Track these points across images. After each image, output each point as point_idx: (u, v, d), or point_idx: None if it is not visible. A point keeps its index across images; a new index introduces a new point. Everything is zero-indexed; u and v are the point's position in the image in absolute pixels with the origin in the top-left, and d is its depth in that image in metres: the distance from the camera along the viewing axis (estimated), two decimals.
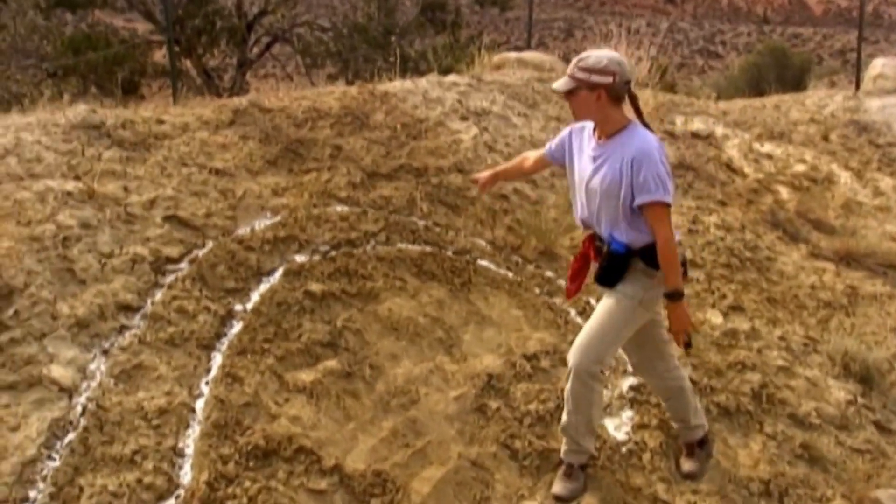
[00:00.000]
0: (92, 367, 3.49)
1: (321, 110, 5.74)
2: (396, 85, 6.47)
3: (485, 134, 6.08)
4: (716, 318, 4.77)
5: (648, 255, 3.32)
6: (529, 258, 5.03)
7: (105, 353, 3.57)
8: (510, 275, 4.84)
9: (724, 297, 4.96)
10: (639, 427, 3.92)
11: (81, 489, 2.99)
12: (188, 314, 3.88)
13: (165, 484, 3.11)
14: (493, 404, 3.89)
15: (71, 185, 4.30)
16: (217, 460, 3.24)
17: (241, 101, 5.64)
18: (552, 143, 3.65)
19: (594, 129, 3.41)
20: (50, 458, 3.07)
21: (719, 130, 7.28)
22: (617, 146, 3.31)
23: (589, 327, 3.41)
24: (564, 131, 3.60)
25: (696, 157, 6.69)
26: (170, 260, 4.14)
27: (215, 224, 4.46)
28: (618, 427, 3.91)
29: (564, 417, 3.50)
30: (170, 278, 4.05)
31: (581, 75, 3.26)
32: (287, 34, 13.14)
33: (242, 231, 4.49)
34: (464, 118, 6.22)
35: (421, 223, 4.97)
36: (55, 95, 8.21)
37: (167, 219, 4.36)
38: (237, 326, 3.93)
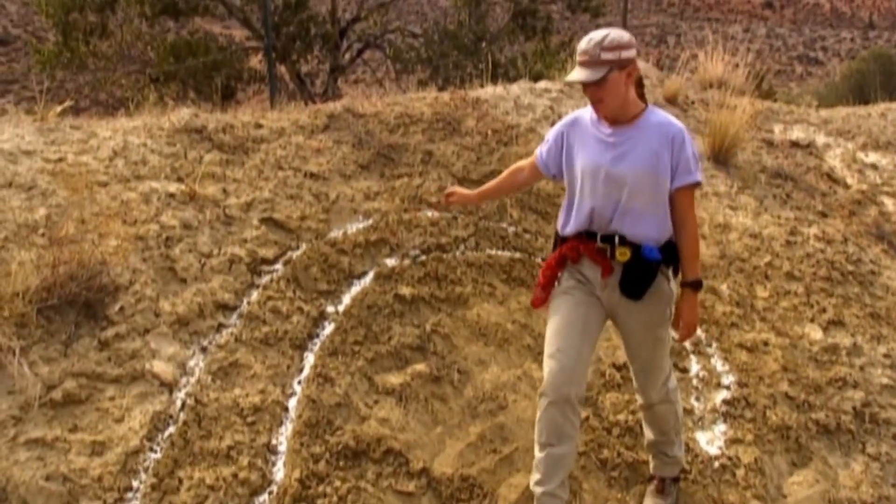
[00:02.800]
0: (191, 363, 3.60)
1: (413, 116, 5.80)
2: (488, 91, 6.48)
3: None
4: (815, 332, 4.61)
5: (670, 255, 3.09)
6: None
7: (203, 350, 3.69)
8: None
9: (823, 311, 4.79)
10: (732, 442, 3.81)
11: (181, 481, 3.09)
12: (282, 314, 3.97)
13: (259, 480, 3.19)
14: (582, 413, 3.84)
15: (174, 187, 4.46)
16: (309, 458, 3.31)
17: (335, 107, 5.74)
18: (543, 151, 3.29)
19: (598, 117, 3.09)
20: (152, 450, 3.18)
21: (820, 139, 7.04)
22: (643, 129, 3.03)
23: (645, 364, 3.25)
24: (552, 133, 3.25)
25: (795, 167, 6.48)
26: (265, 261, 4.25)
27: (309, 227, 4.55)
28: (710, 441, 3.82)
29: (651, 436, 3.42)
30: (265, 279, 4.15)
31: (610, 56, 2.92)
32: (379, 40, 13.32)
33: (335, 234, 4.57)
34: (555, 125, 6.17)
35: (511, 229, 4.96)
36: (157, 100, 8.53)
37: (263, 221, 4.47)
38: (329, 328, 4.00)
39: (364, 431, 3.46)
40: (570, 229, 3.19)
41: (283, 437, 3.41)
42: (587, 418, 3.82)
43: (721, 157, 6.22)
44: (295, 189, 4.79)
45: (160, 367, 3.52)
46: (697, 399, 4.04)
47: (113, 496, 2.98)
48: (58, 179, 4.24)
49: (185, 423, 3.32)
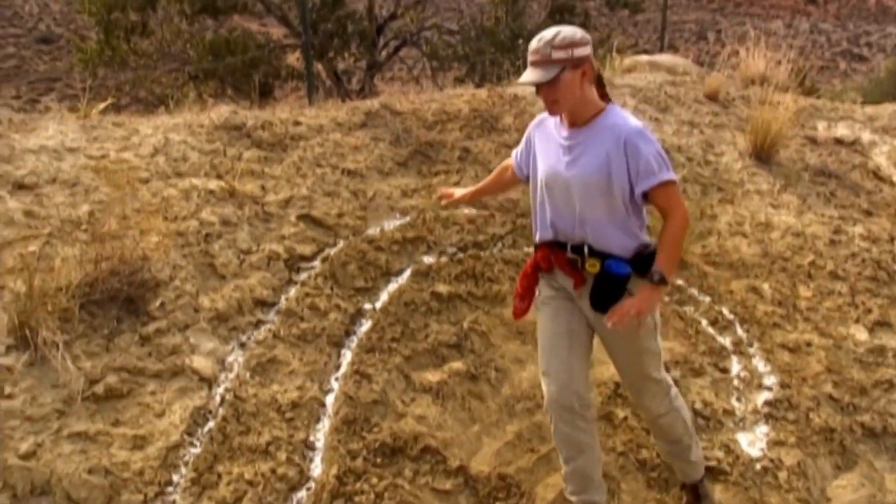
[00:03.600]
0: (230, 358, 3.63)
1: (450, 113, 5.79)
2: (526, 88, 6.44)
3: None
4: (860, 333, 4.52)
5: (644, 265, 2.85)
6: None
7: (242, 346, 3.71)
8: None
9: (869, 311, 4.69)
10: (774, 443, 3.75)
11: (220, 476, 3.11)
12: (320, 311, 3.99)
13: (297, 475, 3.20)
14: (621, 413, 3.81)
15: (213, 184, 4.49)
16: (346, 455, 3.31)
17: (372, 104, 5.75)
18: (518, 155, 3.15)
19: (561, 117, 2.94)
20: (191, 444, 3.21)
21: (866, 136, 6.89)
22: (597, 130, 2.83)
23: (634, 376, 3.09)
24: (526, 132, 3.12)
25: (839, 165, 6.36)
26: (303, 258, 4.27)
27: (346, 224, 4.56)
28: (751, 443, 3.76)
29: (665, 445, 3.29)
30: (303, 276, 4.17)
31: (562, 54, 2.73)
32: (415, 37, 13.30)
33: (372, 231, 4.58)
34: None
35: None
36: (196, 98, 8.61)
37: (301, 217, 4.49)
38: (366, 325, 4.01)
39: (401, 429, 3.46)
40: (538, 237, 3.05)
41: (321, 434, 3.42)
42: (625, 419, 3.78)
43: (763, 154, 6.12)
44: (333, 186, 4.80)
45: (200, 362, 3.55)
46: (738, 400, 3.98)
47: (154, 490, 3.01)
48: (100, 176, 4.29)
49: (224, 418, 3.34)
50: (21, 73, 19.62)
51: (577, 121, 2.87)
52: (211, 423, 3.32)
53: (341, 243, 4.42)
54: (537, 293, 3.14)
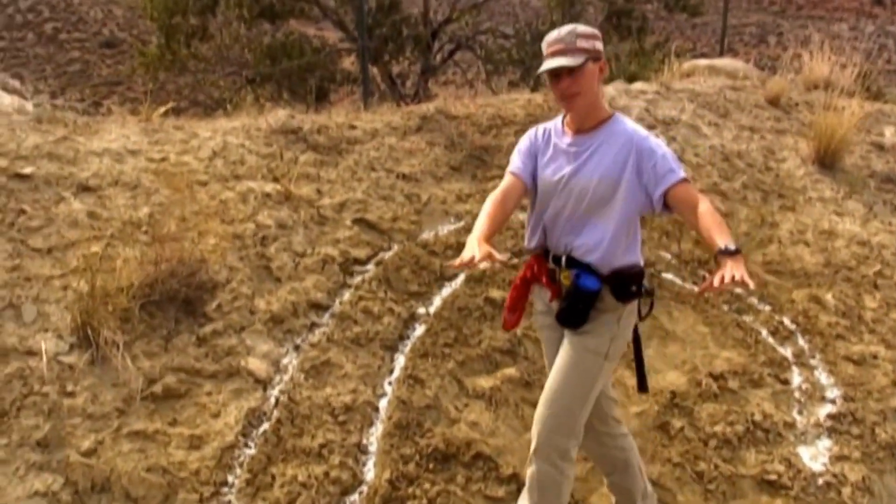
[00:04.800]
0: (285, 361, 3.65)
1: (506, 117, 5.76)
2: None
3: (672, 143, 5.88)
4: None
5: (620, 285, 2.74)
6: None
7: (297, 348, 3.74)
8: (696, 290, 4.64)
9: None
10: (837, 458, 3.64)
11: (273, 478, 3.13)
12: (373, 315, 3.99)
13: (350, 479, 3.20)
14: (677, 423, 3.74)
15: (270, 187, 4.54)
16: (398, 460, 3.31)
17: (427, 108, 5.75)
18: (519, 162, 2.90)
19: (564, 123, 2.83)
20: (246, 445, 3.24)
21: None
22: (606, 136, 2.74)
23: (551, 395, 2.79)
24: (523, 145, 2.91)
25: None
26: (357, 261, 4.28)
27: (401, 228, 4.57)
28: (814, 457, 3.65)
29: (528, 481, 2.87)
30: (357, 279, 4.18)
31: (586, 44, 2.64)
32: (470, 41, 13.30)
33: (426, 235, 4.58)
34: (651, 127, 6.04)
35: None
36: (254, 101, 8.72)
37: (356, 221, 4.51)
38: (419, 329, 4.00)
39: (454, 434, 3.44)
40: (527, 245, 2.96)
41: (374, 438, 3.42)
42: (682, 429, 3.71)
43: (827, 160, 5.97)
44: (387, 190, 4.81)
45: (255, 364, 3.58)
46: (800, 412, 3.88)
47: (209, 490, 3.04)
48: (161, 178, 4.36)
49: (278, 420, 3.37)
50: (85, 76, 20.15)
51: (584, 125, 2.77)
52: (265, 425, 3.34)
53: (395, 247, 4.43)
54: (534, 304, 3.03)
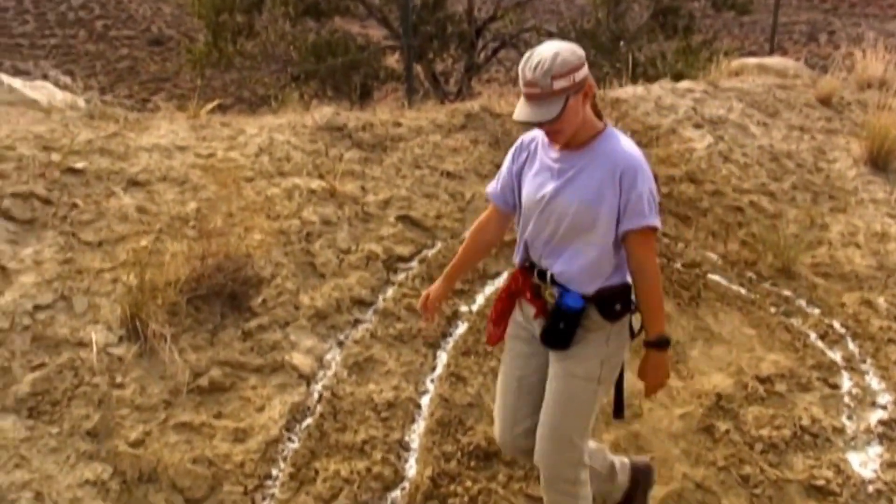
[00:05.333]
0: (328, 356, 3.68)
1: None
2: (628, 91, 6.33)
3: (720, 143, 5.81)
4: None
5: (605, 303, 2.63)
6: (765, 275, 4.73)
7: (340, 344, 3.76)
8: (743, 291, 4.58)
9: None
10: (889, 465, 3.56)
11: (317, 472, 3.15)
12: (416, 312, 3.99)
13: (392, 475, 3.21)
14: (722, 426, 3.69)
15: (315, 184, 4.57)
16: (440, 457, 3.31)
17: (472, 106, 5.74)
18: (497, 186, 2.81)
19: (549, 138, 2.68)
20: (290, 439, 3.27)
21: None
22: (593, 156, 2.57)
23: (550, 430, 2.71)
24: (509, 157, 2.79)
25: None
26: (401, 258, 4.29)
27: (444, 225, 4.57)
28: (863, 463, 3.58)
29: None
30: (400, 276, 4.19)
31: (564, 83, 2.44)
32: (514, 39, 13.27)
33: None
34: (698, 126, 5.97)
35: None
36: (299, 99, 8.79)
37: (400, 218, 4.52)
38: (462, 327, 4.00)
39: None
40: (514, 257, 2.84)
41: (416, 435, 3.42)
42: (727, 432, 3.65)
43: (880, 161, 5.85)
44: (431, 188, 4.82)
45: (299, 359, 3.61)
46: (849, 418, 3.80)
47: (253, 482, 3.07)
48: (208, 174, 4.42)
49: (321, 415, 3.39)
50: (133, 73, 20.48)
51: (572, 143, 2.59)
52: (309, 420, 3.37)
53: (439, 245, 4.43)
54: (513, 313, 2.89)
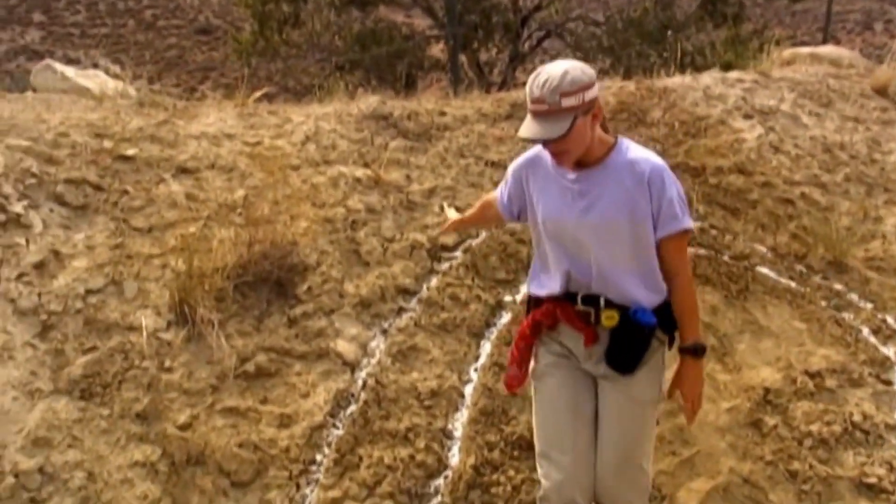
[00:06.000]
0: (372, 344, 3.69)
1: None
2: (676, 81, 6.24)
3: (771, 134, 5.69)
4: None
5: (668, 318, 2.55)
6: (816, 268, 4.64)
7: (384, 332, 3.77)
8: (793, 285, 4.49)
9: None
10: None
11: (360, 459, 3.17)
12: (460, 301, 4.00)
13: (435, 463, 3.22)
14: (770, 420, 3.63)
15: (360, 172, 4.58)
16: (483, 446, 3.31)
17: (518, 95, 5.71)
18: (504, 194, 2.75)
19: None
20: (334, 426, 3.29)
21: None
22: (613, 169, 2.48)
23: (622, 455, 2.56)
24: (511, 173, 2.71)
25: None
26: (445, 248, 4.29)
27: None
28: None
29: None
30: (444, 265, 4.19)
31: (572, 101, 2.35)
32: (559, 28, 13.17)
33: (514, 223, 4.55)
34: (748, 116, 5.87)
35: (697, 225, 4.75)
36: (344, 87, 8.82)
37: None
38: (506, 317, 3.99)
39: None
40: (544, 291, 2.64)
41: (459, 423, 3.43)
42: (775, 426, 3.60)
43: None
44: (476, 177, 4.81)
45: (343, 346, 3.63)
46: None
47: (298, 468, 3.11)
48: (255, 162, 4.46)
49: (365, 402, 3.41)
50: (181, 62, 20.76)
51: (586, 161, 2.50)
52: (353, 407, 3.39)
53: (483, 234, 4.42)
54: (534, 361, 2.72)
